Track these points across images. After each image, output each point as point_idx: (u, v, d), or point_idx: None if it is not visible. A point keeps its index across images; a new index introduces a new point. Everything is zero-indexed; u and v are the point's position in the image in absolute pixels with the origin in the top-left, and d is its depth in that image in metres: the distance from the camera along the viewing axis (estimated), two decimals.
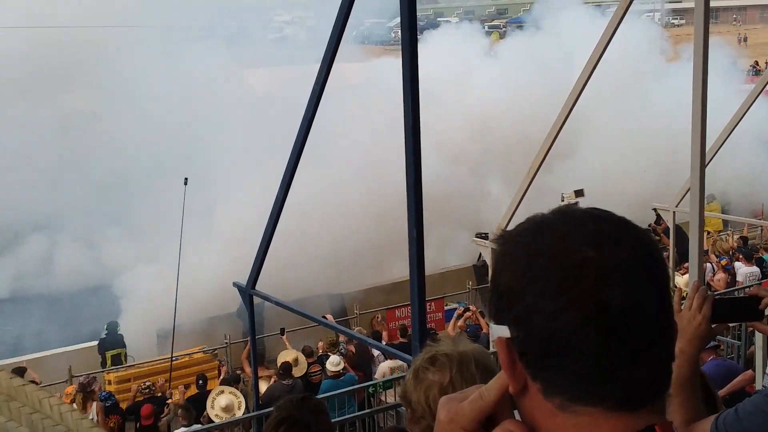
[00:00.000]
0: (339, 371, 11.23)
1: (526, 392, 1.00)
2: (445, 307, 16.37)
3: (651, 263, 0.98)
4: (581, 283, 0.94)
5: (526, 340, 0.98)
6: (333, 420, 9.13)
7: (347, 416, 9.38)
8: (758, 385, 4.94)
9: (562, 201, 13.49)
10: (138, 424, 11.14)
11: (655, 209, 15.27)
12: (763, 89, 13.70)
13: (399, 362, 11.00)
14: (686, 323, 2.22)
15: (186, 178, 12.79)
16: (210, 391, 11.13)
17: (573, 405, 0.96)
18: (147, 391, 11.80)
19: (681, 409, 2.25)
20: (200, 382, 11.87)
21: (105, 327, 14.88)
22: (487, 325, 12.90)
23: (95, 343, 14.81)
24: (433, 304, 14.95)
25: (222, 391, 10.92)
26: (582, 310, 0.94)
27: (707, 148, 8.95)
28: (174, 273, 12.64)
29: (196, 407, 10.40)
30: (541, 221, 1.02)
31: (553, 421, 0.98)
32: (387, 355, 11.54)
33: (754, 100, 13.47)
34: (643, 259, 0.97)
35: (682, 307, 2.26)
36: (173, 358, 12.85)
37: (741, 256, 14.59)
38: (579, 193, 13.43)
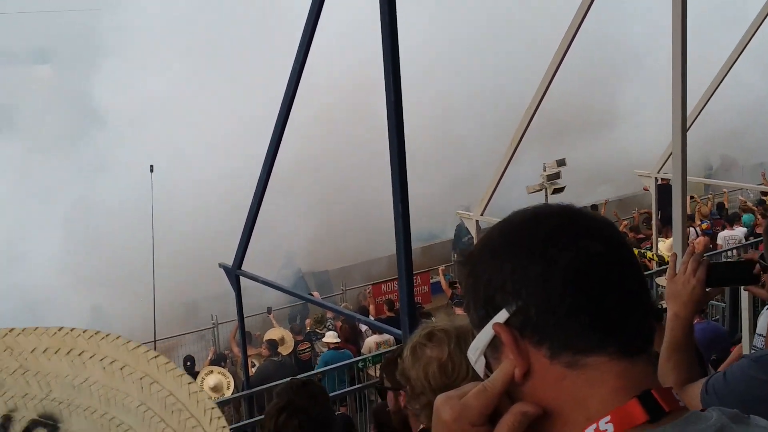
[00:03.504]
0: (337, 343, 11.21)
1: (530, 374, 1.03)
2: (431, 280, 16.43)
3: (613, 227, 1.09)
4: (563, 238, 1.02)
5: (527, 307, 1.02)
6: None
7: (338, 392, 9.42)
8: (746, 348, 4.99)
9: (544, 170, 13.51)
10: None
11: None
12: (745, 46, 12.69)
13: (385, 336, 11.04)
14: (681, 287, 2.23)
15: (152, 165, 12.67)
16: (198, 372, 11.14)
17: (581, 357, 1.00)
18: None
19: (675, 371, 2.27)
20: (188, 363, 11.86)
21: None
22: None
23: None
24: (419, 277, 14.99)
25: (211, 371, 10.93)
26: (569, 260, 1.00)
27: (689, 111, 8.95)
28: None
29: None
30: (502, 221, 1.10)
31: (560, 387, 1.01)
32: (374, 330, 11.57)
33: (737, 58, 12.76)
34: (605, 223, 1.08)
35: (677, 272, 2.26)
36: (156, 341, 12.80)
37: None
38: (561, 162, 13.43)
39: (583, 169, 17.37)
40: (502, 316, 1.03)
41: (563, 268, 1.00)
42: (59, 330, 1.10)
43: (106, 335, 1.10)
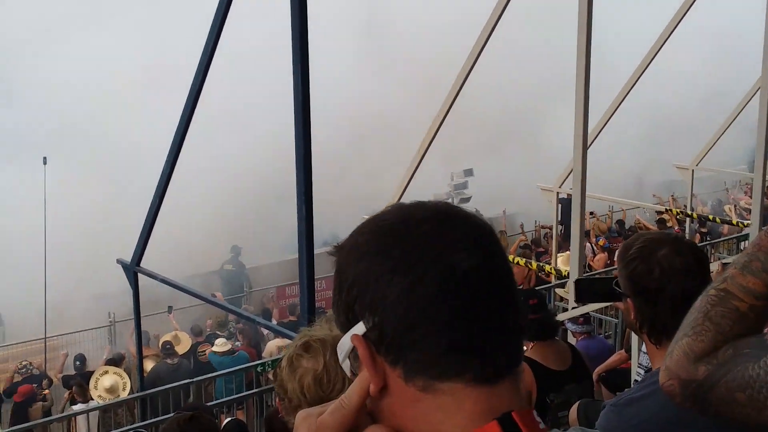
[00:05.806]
0: (225, 351, 11.03)
1: (386, 390, 0.99)
2: None
3: (490, 235, 1.02)
4: (430, 251, 0.96)
5: (384, 323, 0.97)
6: (223, 400, 9.03)
7: (235, 396, 9.27)
8: (634, 364, 5.13)
9: (452, 180, 13.70)
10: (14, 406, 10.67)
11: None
12: (649, 65, 12.76)
13: (288, 341, 10.92)
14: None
15: (45, 157, 12.29)
16: (92, 371, 10.77)
17: (435, 382, 0.96)
18: (24, 370, 11.32)
19: None
20: (77, 363, 11.46)
21: None
22: None
23: None
24: (324, 281, 14.89)
25: (106, 371, 10.57)
26: (435, 277, 0.95)
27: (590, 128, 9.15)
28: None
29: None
30: (375, 217, 1.03)
31: (416, 408, 0.97)
32: (276, 334, 11.44)
33: (640, 76, 12.82)
34: (482, 230, 1.01)
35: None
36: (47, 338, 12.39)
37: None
38: (468, 172, 13.63)
39: (491, 180, 17.63)
40: (360, 328, 0.99)
41: (425, 287, 0.95)
42: None
43: None
